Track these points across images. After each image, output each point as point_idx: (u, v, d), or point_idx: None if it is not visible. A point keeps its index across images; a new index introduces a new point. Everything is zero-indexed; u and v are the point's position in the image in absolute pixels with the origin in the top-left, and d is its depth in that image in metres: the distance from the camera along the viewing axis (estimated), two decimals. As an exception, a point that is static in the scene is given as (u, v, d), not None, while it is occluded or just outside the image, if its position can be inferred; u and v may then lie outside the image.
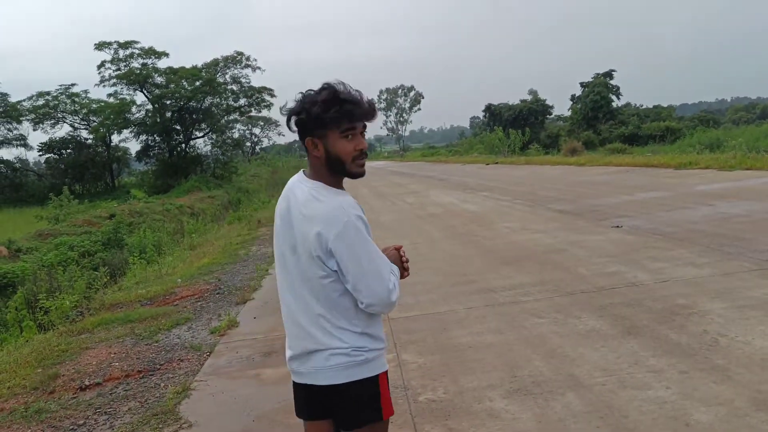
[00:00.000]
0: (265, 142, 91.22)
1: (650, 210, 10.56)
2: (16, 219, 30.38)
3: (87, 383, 5.08)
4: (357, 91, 1.99)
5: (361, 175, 2.04)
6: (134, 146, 50.71)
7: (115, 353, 5.86)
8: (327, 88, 1.97)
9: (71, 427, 4.19)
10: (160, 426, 3.98)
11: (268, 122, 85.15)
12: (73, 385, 5.08)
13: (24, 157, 48.88)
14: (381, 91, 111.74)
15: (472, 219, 12.20)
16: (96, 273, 12.14)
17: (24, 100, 45.26)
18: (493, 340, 4.84)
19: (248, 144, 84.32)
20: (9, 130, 46.64)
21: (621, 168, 20.64)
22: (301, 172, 2.13)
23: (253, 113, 52.86)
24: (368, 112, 2.00)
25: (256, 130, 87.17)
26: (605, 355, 4.26)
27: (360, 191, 21.76)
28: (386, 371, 2.10)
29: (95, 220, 19.46)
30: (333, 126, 1.95)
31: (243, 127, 73.83)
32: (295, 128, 2.04)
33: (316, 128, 1.97)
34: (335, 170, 2.02)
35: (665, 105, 64.38)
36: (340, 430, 2.13)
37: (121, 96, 43.60)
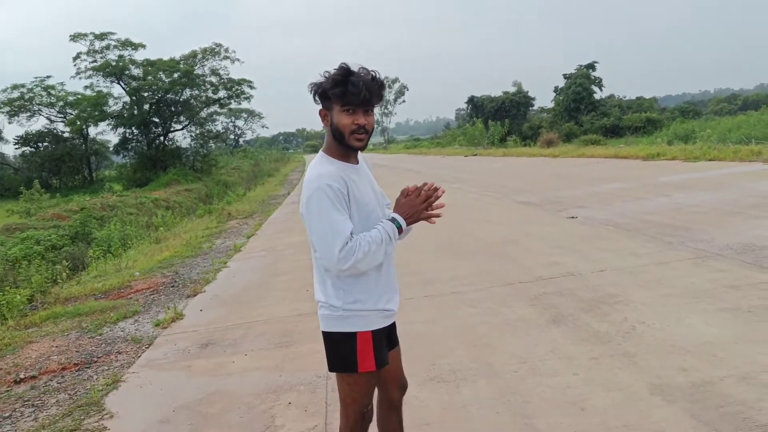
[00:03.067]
0: (249, 135, 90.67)
1: (609, 201, 10.69)
2: (-10, 213, 30.10)
3: (22, 376, 5.09)
4: (374, 78, 2.18)
5: (360, 148, 2.24)
6: (113, 139, 50.08)
7: (56, 347, 5.87)
8: (341, 68, 2.16)
9: (-5, 419, 4.20)
10: (82, 417, 4.01)
11: (252, 114, 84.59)
12: (8, 378, 5.10)
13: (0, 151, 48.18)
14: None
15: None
16: (65, 265, 12.10)
17: (-2, 92, 44.68)
18: (423, 330, 4.91)
19: (232, 136, 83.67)
20: (-16, 123, 45.99)
21: (592, 159, 20.83)
22: None
23: (233, 105, 52.58)
24: (363, 99, 2.15)
25: (240, 122, 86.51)
26: (526, 343, 4.35)
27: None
28: (369, 331, 2.27)
29: (65, 213, 19.31)
30: (335, 101, 2.17)
31: (226, 120, 73.29)
32: (317, 100, 2.26)
33: (324, 101, 2.23)
34: (338, 141, 2.23)
35: (649, 96, 64.69)
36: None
37: (98, 88, 43.11)
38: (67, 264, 12.09)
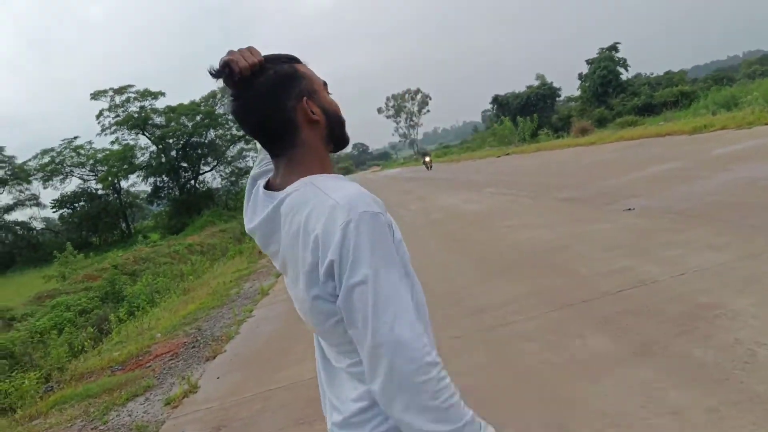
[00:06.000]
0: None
1: (663, 185, 9.52)
2: (32, 281, 30.15)
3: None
4: None
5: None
6: (146, 189, 50.47)
7: (54, 445, 5.08)
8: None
9: None
10: None
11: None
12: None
13: (38, 216, 49.08)
14: (387, 98, 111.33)
15: (472, 221, 11.27)
16: (90, 332, 11.52)
17: (30, 160, 45.62)
18: (475, 382, 3.92)
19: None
20: (20, 191, 47.01)
21: (633, 142, 19.49)
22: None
23: (259, 139, 52.44)
24: None
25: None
26: (612, 391, 3.32)
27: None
28: None
29: (97, 273, 18.92)
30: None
31: (256, 154, 73.55)
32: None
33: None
34: (337, 134, 1.39)
35: (676, 70, 62.37)
36: None
37: (124, 141, 43.62)
38: (92, 330, 11.51)
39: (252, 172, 1.47)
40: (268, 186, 1.34)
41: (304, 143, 1.30)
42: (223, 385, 5.52)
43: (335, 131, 1.36)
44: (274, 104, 1.27)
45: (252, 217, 1.34)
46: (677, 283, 4.76)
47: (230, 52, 1.27)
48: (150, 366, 7.12)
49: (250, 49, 1.29)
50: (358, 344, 1.15)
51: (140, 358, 7.71)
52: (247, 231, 1.37)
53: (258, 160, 1.53)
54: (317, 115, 1.31)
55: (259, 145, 1.51)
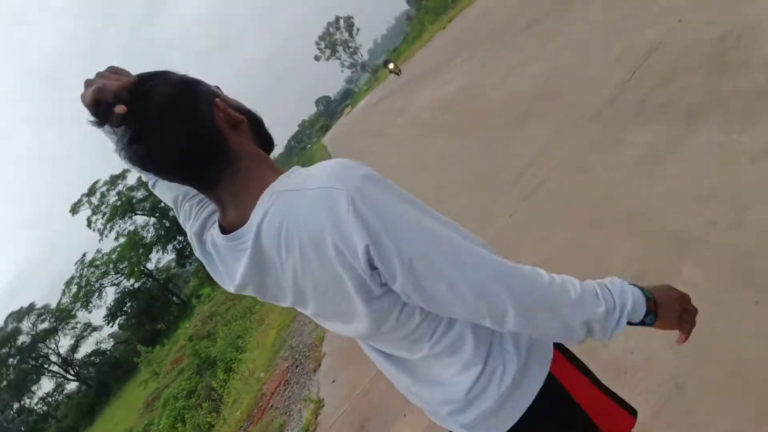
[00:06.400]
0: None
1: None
2: (134, 394, 31.03)
3: None
4: None
5: None
6: (172, 257, 50.90)
7: None
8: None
9: None
10: None
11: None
12: None
13: (102, 338, 50.33)
14: (316, 42, 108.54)
15: (462, 98, 10.85)
16: (207, 407, 11.72)
17: (62, 298, 46.37)
18: (551, 255, 3.68)
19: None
20: (73, 328, 48.04)
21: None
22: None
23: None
24: None
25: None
26: (689, 171, 3.06)
27: (359, 142, 20.42)
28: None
29: (179, 354, 19.24)
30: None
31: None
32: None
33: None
34: (264, 138, 1.14)
35: None
36: None
37: (125, 231, 43.83)
38: (207, 404, 11.69)
39: (191, 232, 1.16)
40: (223, 231, 1.06)
41: (240, 154, 1.03)
42: (341, 386, 5.45)
43: (260, 131, 1.11)
44: (192, 118, 0.98)
45: (232, 275, 1.08)
46: (683, 31, 4.40)
47: (88, 82, 0.95)
48: (272, 406, 7.14)
49: (112, 69, 0.99)
50: (453, 308, 0.96)
51: (260, 404, 7.75)
52: (234, 292, 1.12)
53: (183, 215, 1.21)
54: (236, 115, 1.04)
55: (172, 198, 1.24)
